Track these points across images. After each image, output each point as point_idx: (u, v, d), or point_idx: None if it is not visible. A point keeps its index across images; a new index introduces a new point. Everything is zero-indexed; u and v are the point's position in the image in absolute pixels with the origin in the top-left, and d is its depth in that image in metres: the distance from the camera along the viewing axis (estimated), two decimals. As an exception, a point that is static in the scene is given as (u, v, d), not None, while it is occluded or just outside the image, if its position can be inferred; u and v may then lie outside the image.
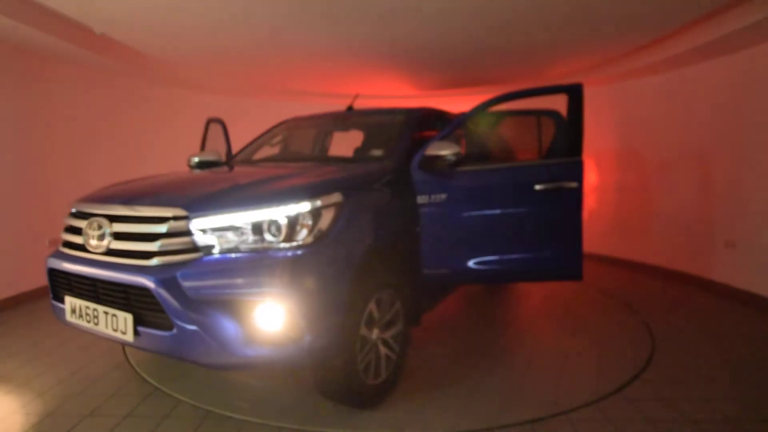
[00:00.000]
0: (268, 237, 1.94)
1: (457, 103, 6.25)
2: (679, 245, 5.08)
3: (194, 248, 1.94)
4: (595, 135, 5.73)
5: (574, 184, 2.72)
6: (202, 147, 4.09)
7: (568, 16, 3.58)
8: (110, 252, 2.06)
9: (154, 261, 1.93)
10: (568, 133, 2.88)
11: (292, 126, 3.75)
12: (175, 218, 1.96)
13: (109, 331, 2.03)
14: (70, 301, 2.18)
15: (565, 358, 2.98)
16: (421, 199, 2.72)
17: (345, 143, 3.69)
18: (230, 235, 1.94)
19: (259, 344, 1.87)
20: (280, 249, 1.91)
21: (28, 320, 3.78)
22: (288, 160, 3.43)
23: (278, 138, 3.67)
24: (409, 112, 3.26)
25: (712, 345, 3.22)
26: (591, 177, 6.06)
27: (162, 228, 1.95)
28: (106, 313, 2.04)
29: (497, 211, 2.82)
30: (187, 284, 1.85)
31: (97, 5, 3.43)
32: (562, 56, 4.84)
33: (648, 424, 2.22)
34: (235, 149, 3.88)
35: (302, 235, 1.96)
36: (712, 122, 4.62)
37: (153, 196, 2.17)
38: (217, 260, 1.90)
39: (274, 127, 3.80)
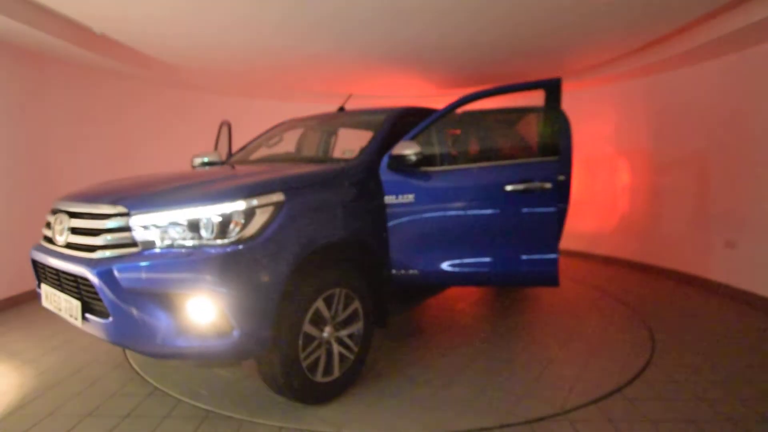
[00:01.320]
0: (202, 234, 2.02)
1: None
2: (679, 245, 5.08)
3: (133, 243, 2.05)
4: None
5: (548, 185, 2.63)
6: (216, 147, 4.22)
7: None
8: (68, 245, 2.24)
9: (97, 254, 2.08)
10: (545, 131, 2.80)
11: (287, 127, 3.83)
12: (117, 215, 2.10)
13: (67, 316, 2.23)
14: (44, 288, 2.42)
15: (559, 359, 2.98)
16: (389, 200, 2.73)
17: (349, 142, 3.71)
18: (167, 231, 2.03)
19: (189, 336, 1.98)
20: (211, 246, 1.99)
21: (28, 320, 3.78)
22: (275, 160, 3.44)
23: (274, 139, 3.73)
24: (389, 113, 3.22)
25: (713, 345, 3.22)
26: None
27: (105, 224, 2.11)
28: (66, 300, 2.24)
29: (467, 213, 2.75)
30: (122, 276, 1.97)
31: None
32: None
33: (648, 424, 2.22)
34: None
35: (235, 232, 2.02)
36: (720, 123, 4.60)
37: (104, 195, 2.29)
38: (151, 255, 2.01)
39: (273, 128, 3.90)
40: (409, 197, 2.71)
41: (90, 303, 2.13)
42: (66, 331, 3.47)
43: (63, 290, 2.27)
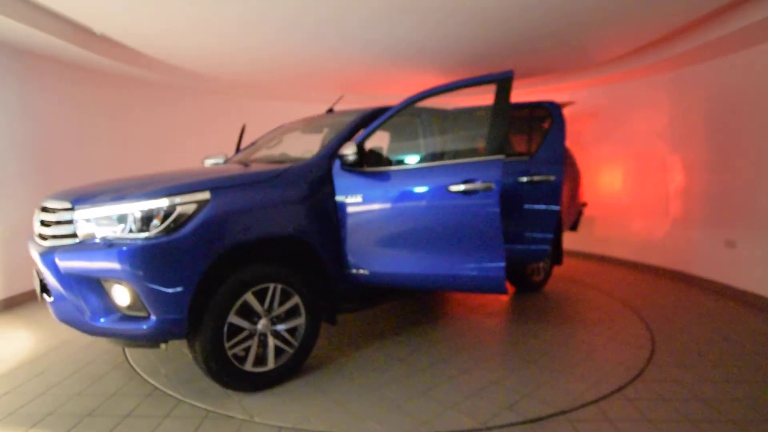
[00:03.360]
0: (128, 228, 2.25)
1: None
2: (680, 245, 5.08)
3: (74, 234, 2.35)
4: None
5: (491, 186, 2.53)
6: (237, 148, 4.37)
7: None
8: (39, 235, 2.57)
9: (47, 242, 2.45)
10: (491, 128, 2.63)
11: (284, 129, 3.91)
12: (64, 209, 2.40)
13: (38, 295, 2.61)
14: (34, 270, 2.71)
15: (565, 358, 2.98)
16: (340, 199, 2.75)
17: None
18: (101, 224, 2.29)
19: (113, 318, 2.27)
20: (134, 238, 2.21)
21: (28, 320, 3.78)
22: (260, 161, 3.46)
23: (272, 140, 3.80)
24: (360, 113, 3.22)
25: (713, 345, 3.22)
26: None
27: (55, 217, 2.43)
28: (36, 281, 2.63)
29: (411, 215, 2.69)
30: (60, 262, 2.27)
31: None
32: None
33: (648, 424, 2.22)
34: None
35: (156, 227, 2.22)
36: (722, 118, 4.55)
37: (63, 192, 2.62)
38: (85, 244, 2.29)
39: (272, 130, 4.04)
40: (358, 197, 2.73)
41: (45, 284, 2.47)
42: (66, 331, 3.47)
43: (36, 273, 2.63)
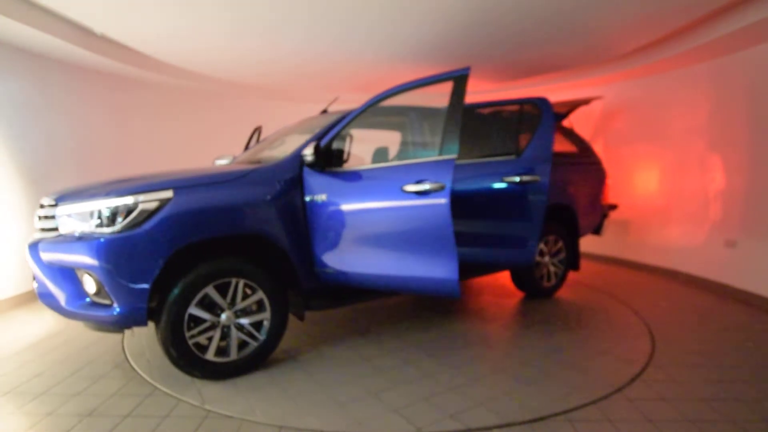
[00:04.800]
0: (97, 223, 2.42)
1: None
2: (680, 245, 5.06)
3: (56, 228, 2.59)
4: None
5: (442, 185, 2.51)
6: (246, 148, 4.44)
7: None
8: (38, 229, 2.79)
9: (36, 235, 2.71)
10: (445, 127, 2.59)
11: (286, 130, 3.93)
12: (50, 206, 2.64)
13: (33, 282, 2.82)
14: None
15: (562, 359, 2.98)
16: (308, 198, 2.80)
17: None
18: (76, 219, 2.50)
19: (84, 304, 2.49)
20: (100, 233, 2.39)
21: (28, 320, 3.78)
22: (254, 161, 3.47)
23: (275, 141, 3.81)
24: (339, 114, 3.22)
25: (713, 345, 3.22)
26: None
27: (44, 212, 2.67)
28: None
29: (369, 214, 2.71)
30: (42, 252, 2.52)
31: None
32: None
33: (648, 424, 2.22)
34: None
35: (120, 222, 2.38)
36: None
37: (56, 191, 2.82)
38: (63, 236, 2.51)
39: (277, 131, 4.08)
40: (323, 197, 2.78)
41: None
42: (66, 331, 3.47)
43: None
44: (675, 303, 4.23)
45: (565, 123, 4.70)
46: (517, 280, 4.29)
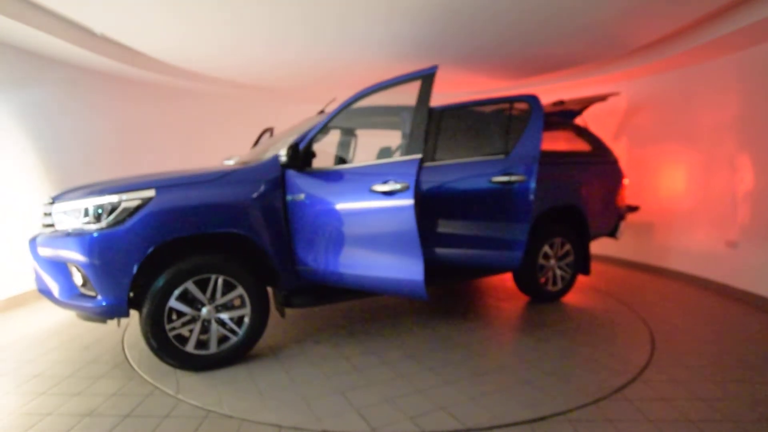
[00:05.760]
0: (85, 220, 2.55)
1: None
2: (680, 246, 5.04)
3: (52, 224, 2.72)
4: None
5: (406, 185, 2.50)
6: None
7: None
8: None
9: (36, 231, 2.85)
10: (411, 126, 2.57)
11: (288, 131, 3.91)
12: (48, 203, 2.78)
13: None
14: None
15: (565, 358, 2.98)
16: (289, 198, 2.86)
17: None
18: (70, 217, 2.62)
19: (73, 295, 2.65)
20: (87, 230, 2.51)
21: (29, 320, 3.78)
22: (237, 162, 3.56)
23: (278, 142, 3.79)
24: (328, 116, 3.17)
25: (713, 345, 3.22)
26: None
27: (44, 210, 2.81)
28: None
29: (341, 214, 2.75)
30: (39, 246, 2.68)
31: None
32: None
33: (648, 424, 2.22)
34: None
35: (105, 219, 2.52)
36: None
37: (58, 190, 3.01)
38: (55, 232, 2.65)
39: (281, 132, 4.11)
40: (301, 196, 2.85)
41: None
42: (66, 331, 3.47)
43: None
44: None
45: (578, 121, 4.61)
46: (520, 283, 4.15)
